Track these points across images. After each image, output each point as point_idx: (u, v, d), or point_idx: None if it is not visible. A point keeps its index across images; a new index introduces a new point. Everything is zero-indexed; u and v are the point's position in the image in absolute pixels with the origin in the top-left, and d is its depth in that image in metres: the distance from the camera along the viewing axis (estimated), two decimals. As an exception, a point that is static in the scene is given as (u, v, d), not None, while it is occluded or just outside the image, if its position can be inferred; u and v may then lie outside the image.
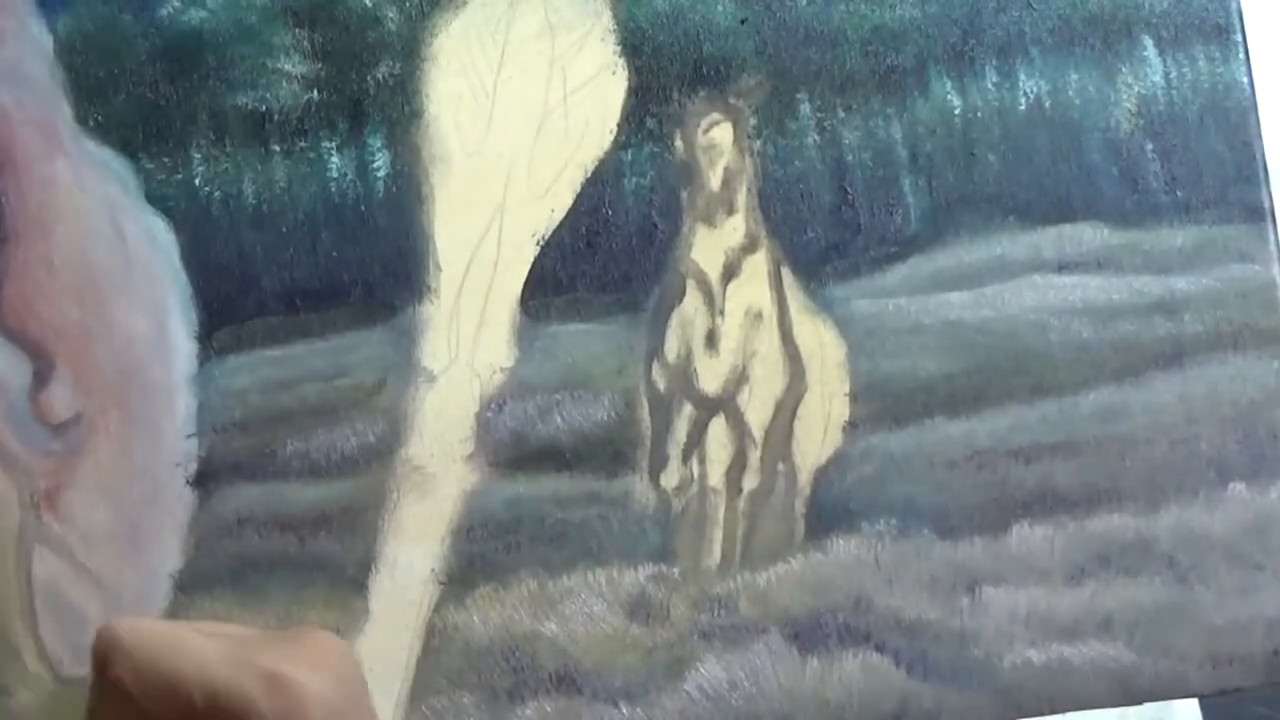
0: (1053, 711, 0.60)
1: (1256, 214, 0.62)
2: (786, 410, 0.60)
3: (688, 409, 0.60)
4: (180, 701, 0.46)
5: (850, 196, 0.60)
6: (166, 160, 0.58)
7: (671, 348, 0.60)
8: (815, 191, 0.60)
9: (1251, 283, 0.62)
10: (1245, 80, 0.62)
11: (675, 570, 0.59)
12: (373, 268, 0.59)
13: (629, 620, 0.59)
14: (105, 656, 0.47)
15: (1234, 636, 0.58)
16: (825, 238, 0.60)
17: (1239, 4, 0.62)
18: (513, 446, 0.59)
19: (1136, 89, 0.62)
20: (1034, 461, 0.60)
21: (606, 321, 0.59)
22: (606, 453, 0.59)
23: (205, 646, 0.47)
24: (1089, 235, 0.61)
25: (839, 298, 0.60)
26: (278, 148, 0.59)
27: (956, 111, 0.61)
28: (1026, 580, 0.60)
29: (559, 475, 0.59)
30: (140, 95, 0.58)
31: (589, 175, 0.59)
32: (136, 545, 0.57)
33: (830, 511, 0.60)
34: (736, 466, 0.60)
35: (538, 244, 0.59)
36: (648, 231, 0.60)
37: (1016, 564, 0.60)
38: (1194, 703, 0.63)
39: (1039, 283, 0.61)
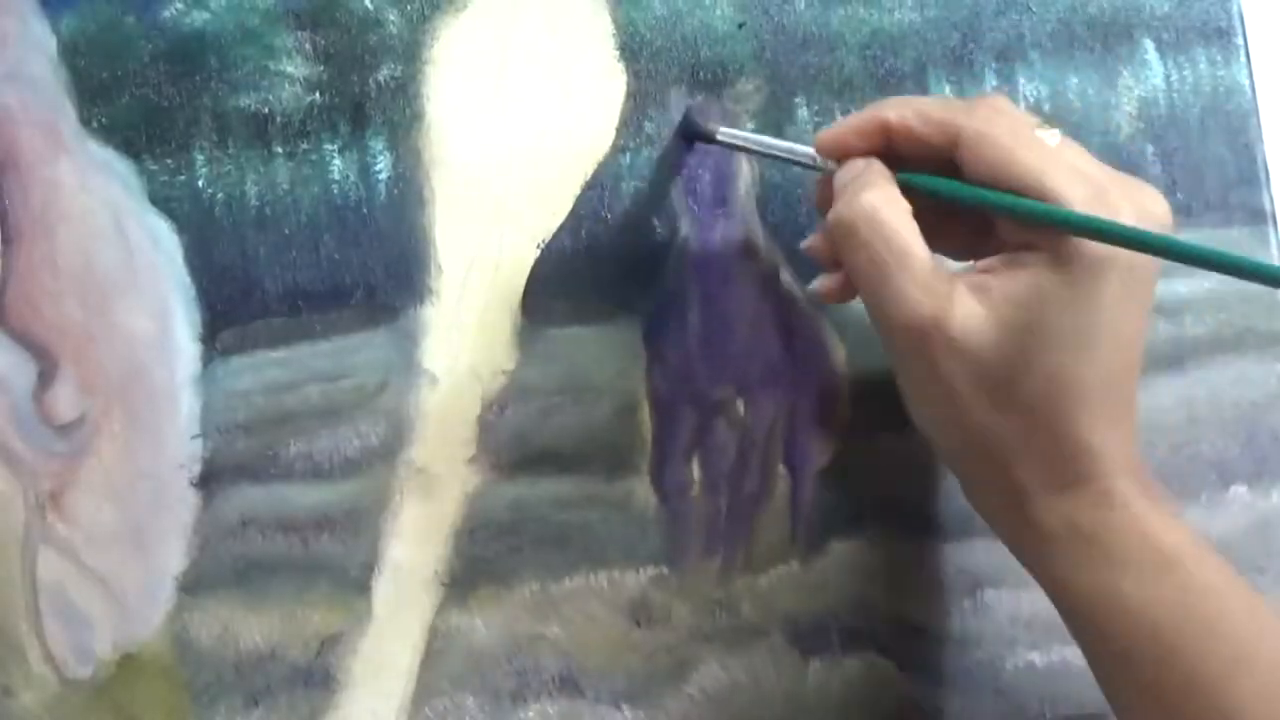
0: (1054, 714, 0.60)
1: (1258, 217, 0.62)
2: (786, 412, 0.60)
3: (688, 411, 0.60)
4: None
5: (848, 200, 0.60)
6: (170, 162, 0.59)
7: (671, 350, 0.60)
8: (813, 195, 0.60)
9: (1252, 286, 0.61)
10: (1246, 83, 0.62)
11: (676, 573, 0.59)
12: (374, 270, 0.59)
13: (631, 622, 0.59)
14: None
15: (1236, 639, 0.58)
16: (824, 241, 0.60)
17: (1240, 6, 0.62)
18: (514, 449, 0.59)
19: (1137, 92, 0.62)
20: (1035, 464, 0.60)
21: (606, 324, 0.59)
22: (607, 455, 0.59)
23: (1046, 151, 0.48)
24: (1089, 238, 0.61)
25: (839, 300, 0.60)
26: (280, 150, 0.59)
27: (955, 115, 0.61)
28: (1028, 583, 0.59)
29: (560, 477, 0.59)
30: (143, 97, 0.59)
31: (588, 179, 0.60)
32: (140, 546, 0.58)
33: (831, 514, 0.60)
34: (737, 469, 0.60)
35: (538, 247, 0.59)
36: (646, 235, 0.60)
37: (1018, 567, 0.60)
38: (1197, 705, 0.63)
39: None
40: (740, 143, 0.57)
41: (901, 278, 0.47)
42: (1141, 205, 0.47)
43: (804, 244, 0.54)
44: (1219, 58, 0.62)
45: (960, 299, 0.46)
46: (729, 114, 0.60)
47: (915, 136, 0.50)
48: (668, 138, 0.60)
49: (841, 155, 0.52)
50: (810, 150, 0.53)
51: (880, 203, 0.48)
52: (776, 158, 0.56)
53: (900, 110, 0.50)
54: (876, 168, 0.50)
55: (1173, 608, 0.45)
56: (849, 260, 0.49)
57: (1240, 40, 0.62)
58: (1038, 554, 0.49)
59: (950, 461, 0.52)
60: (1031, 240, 0.47)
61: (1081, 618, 0.48)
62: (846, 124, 0.51)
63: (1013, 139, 0.47)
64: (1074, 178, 0.46)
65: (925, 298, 0.46)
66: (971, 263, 0.51)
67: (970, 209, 0.49)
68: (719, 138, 0.57)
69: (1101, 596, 0.47)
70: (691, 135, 0.60)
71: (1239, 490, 0.61)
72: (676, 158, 0.60)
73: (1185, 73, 0.62)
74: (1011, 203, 0.47)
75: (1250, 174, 0.62)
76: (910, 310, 0.47)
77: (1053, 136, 0.48)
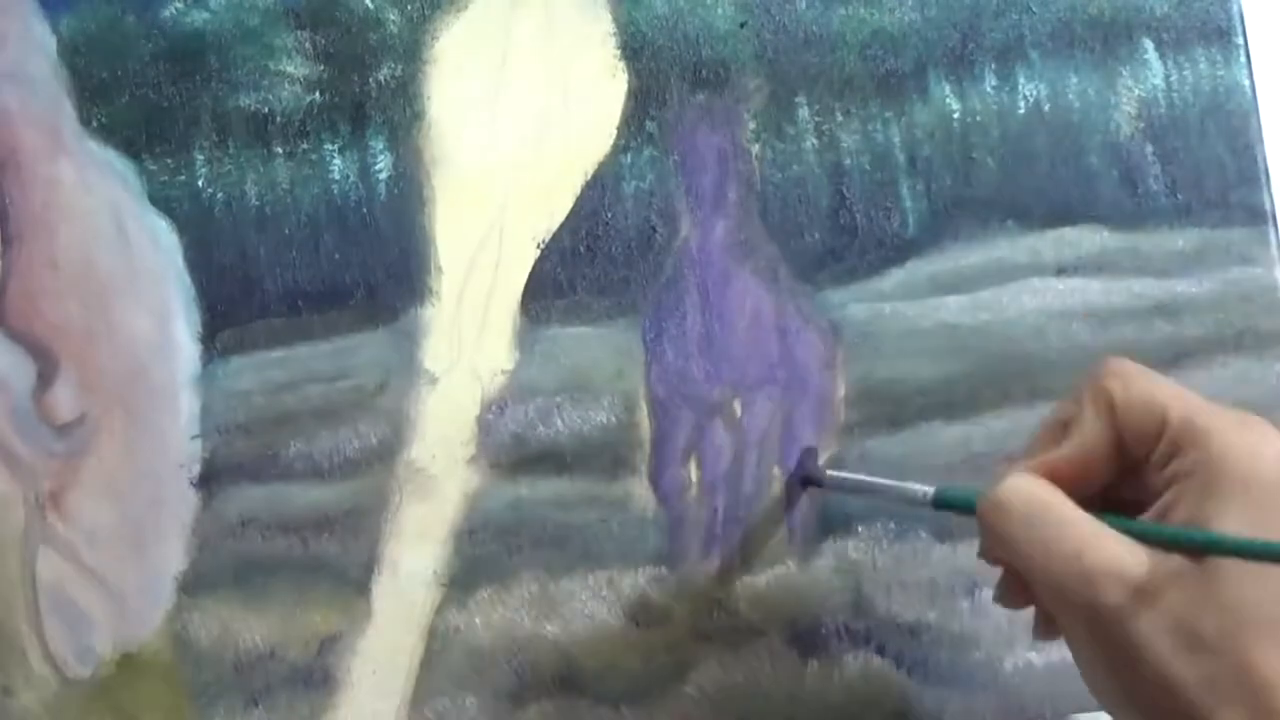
0: (1054, 714, 0.60)
1: (1257, 217, 0.62)
2: (784, 413, 0.60)
3: (686, 412, 0.60)
4: (1155, 417, 0.46)
5: (848, 200, 0.60)
6: (169, 161, 0.59)
7: (670, 351, 0.60)
8: (813, 195, 0.60)
9: (1252, 285, 0.62)
10: (1246, 83, 0.62)
11: (675, 573, 0.59)
12: (375, 269, 0.59)
13: (630, 622, 0.59)
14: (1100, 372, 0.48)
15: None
16: (822, 241, 0.60)
17: (1240, 6, 0.62)
18: (514, 449, 0.59)
19: (1137, 92, 0.62)
20: (1033, 465, 0.60)
21: (606, 324, 0.59)
22: (606, 455, 0.59)
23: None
24: (1088, 239, 0.61)
25: (836, 301, 0.60)
26: (280, 150, 0.59)
27: (955, 115, 0.61)
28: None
29: (559, 478, 0.59)
30: (143, 96, 0.59)
31: (589, 178, 0.60)
32: (140, 546, 0.58)
33: (829, 514, 0.60)
34: (735, 469, 0.60)
35: (538, 247, 0.59)
36: (646, 235, 0.60)
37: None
38: (1196, 706, 0.63)
39: (1038, 286, 0.61)
40: (850, 485, 0.58)
41: (1065, 542, 0.45)
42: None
43: (994, 597, 0.52)
44: (1219, 58, 0.62)
45: (1130, 549, 0.44)
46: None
47: (1092, 456, 0.48)
48: (670, 137, 0.60)
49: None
50: (922, 489, 0.53)
51: (1024, 481, 0.47)
52: (889, 497, 0.55)
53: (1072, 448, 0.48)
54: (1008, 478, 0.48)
55: None
56: (1010, 550, 0.47)
57: (1240, 40, 0.62)
58: None
59: None
60: (1178, 473, 0.45)
61: None
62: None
63: (1146, 381, 0.47)
64: (1213, 406, 0.45)
65: (1097, 555, 0.44)
66: None
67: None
68: (826, 483, 0.59)
69: None
70: (805, 481, 0.60)
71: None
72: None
73: (1185, 73, 0.62)
74: (1158, 530, 0.45)
75: (1250, 174, 0.62)
76: (1085, 569, 0.44)
77: None
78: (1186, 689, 0.43)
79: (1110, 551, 0.44)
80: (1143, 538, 0.45)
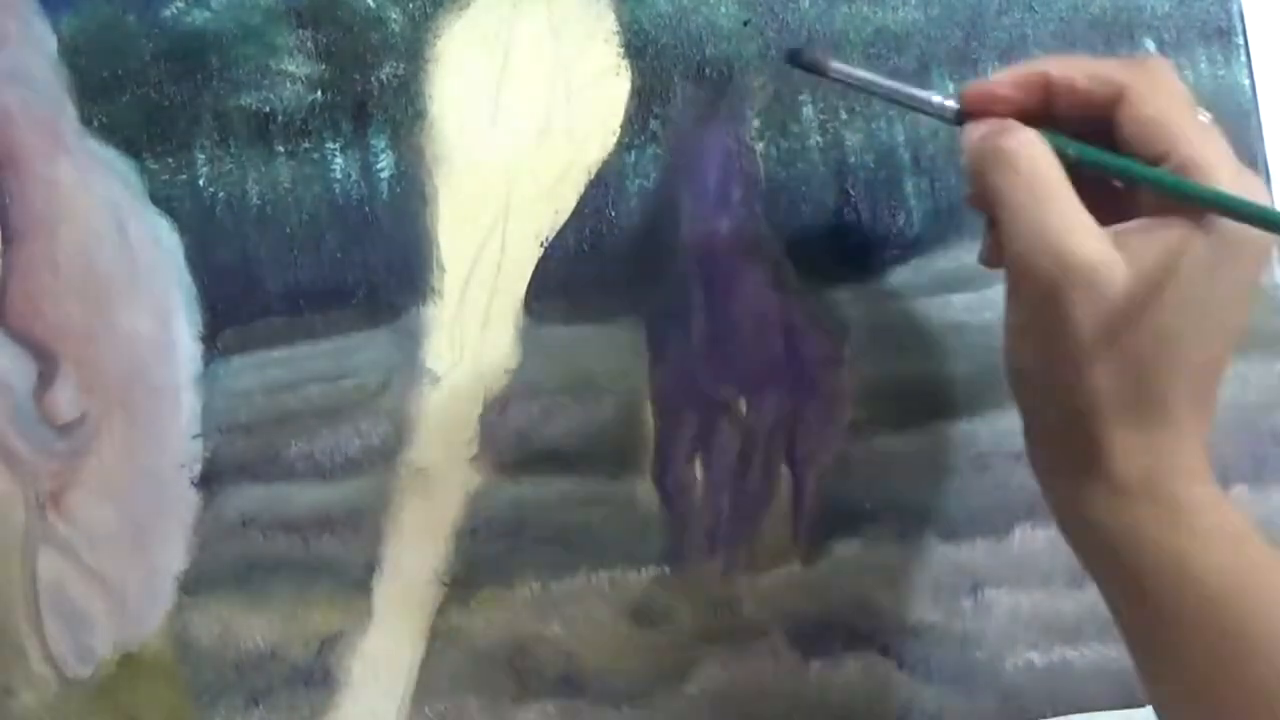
0: (1055, 714, 0.60)
1: (1259, 217, 0.62)
2: (789, 412, 0.60)
3: (690, 411, 0.60)
4: (1161, 144, 0.47)
5: (852, 199, 0.60)
6: (170, 161, 0.59)
7: (674, 349, 0.60)
8: (818, 193, 0.60)
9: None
10: (1246, 83, 0.62)
11: (678, 573, 0.59)
12: (377, 269, 0.59)
13: (632, 622, 0.59)
14: None
15: (1236, 639, 0.58)
16: (828, 239, 0.60)
17: (1240, 7, 0.62)
18: (516, 448, 0.59)
19: (1139, 91, 0.62)
20: (1036, 464, 0.60)
21: (610, 323, 0.59)
22: (610, 455, 0.59)
23: None
24: (1091, 237, 0.61)
25: (842, 299, 0.60)
26: (282, 149, 0.59)
27: (959, 113, 0.62)
28: (1029, 582, 0.60)
29: (562, 477, 0.59)
30: (144, 96, 0.59)
31: (592, 177, 0.60)
32: (141, 546, 0.58)
33: (833, 514, 0.60)
34: (740, 469, 0.60)
35: (541, 245, 0.59)
36: (650, 233, 0.60)
37: (1019, 566, 0.60)
38: (1196, 705, 0.63)
39: (1041, 284, 0.61)
40: (855, 81, 0.52)
41: (1055, 210, 0.47)
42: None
43: (979, 258, 0.54)
44: (1219, 58, 0.62)
45: (1104, 243, 0.46)
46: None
47: (1076, 90, 0.49)
48: (674, 135, 0.60)
49: (987, 109, 0.50)
50: (931, 96, 0.51)
51: (1037, 143, 0.48)
52: (894, 100, 0.53)
53: (1063, 65, 0.50)
54: (1014, 124, 0.49)
55: (1243, 579, 0.45)
56: (998, 189, 0.48)
57: (1240, 40, 0.62)
58: (1105, 508, 0.48)
59: (1032, 407, 0.50)
60: (1173, 210, 0.47)
61: (1139, 577, 0.47)
62: (1003, 76, 0.50)
63: (1174, 106, 0.48)
64: (1224, 156, 0.47)
65: (1073, 235, 0.46)
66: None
67: (1110, 176, 0.49)
68: (831, 74, 0.52)
69: (1169, 558, 0.46)
70: (801, 65, 0.53)
71: (1239, 490, 0.61)
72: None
73: (1185, 72, 0.62)
74: (1162, 177, 0.47)
75: (1250, 174, 0.62)
76: (1057, 243, 0.46)
77: (1205, 116, 0.48)
78: (1089, 383, 0.47)
79: (1092, 248, 0.46)
80: (1128, 177, 0.48)
